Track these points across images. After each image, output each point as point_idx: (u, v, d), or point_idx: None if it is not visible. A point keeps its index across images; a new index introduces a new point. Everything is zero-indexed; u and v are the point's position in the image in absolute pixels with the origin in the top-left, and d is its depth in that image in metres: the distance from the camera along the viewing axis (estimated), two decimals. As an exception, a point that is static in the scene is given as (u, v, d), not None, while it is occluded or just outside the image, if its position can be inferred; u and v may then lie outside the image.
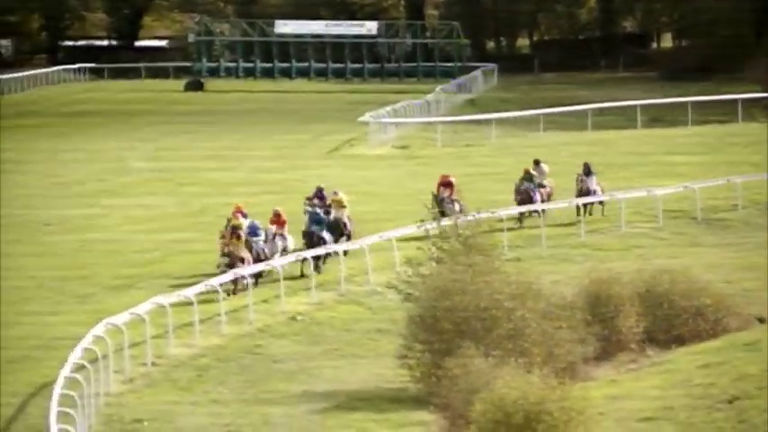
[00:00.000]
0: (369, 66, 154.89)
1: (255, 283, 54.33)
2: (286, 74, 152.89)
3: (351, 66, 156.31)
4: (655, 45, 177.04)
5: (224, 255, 53.21)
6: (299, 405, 47.04)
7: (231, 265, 52.62)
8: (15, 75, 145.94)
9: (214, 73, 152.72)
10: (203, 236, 68.73)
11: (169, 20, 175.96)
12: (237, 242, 53.56)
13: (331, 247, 62.34)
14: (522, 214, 65.63)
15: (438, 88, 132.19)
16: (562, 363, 48.66)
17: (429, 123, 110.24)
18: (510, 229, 65.15)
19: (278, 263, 56.62)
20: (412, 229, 62.50)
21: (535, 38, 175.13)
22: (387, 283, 58.75)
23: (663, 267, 55.34)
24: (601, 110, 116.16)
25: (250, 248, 55.58)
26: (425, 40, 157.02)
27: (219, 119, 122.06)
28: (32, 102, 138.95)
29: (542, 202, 66.46)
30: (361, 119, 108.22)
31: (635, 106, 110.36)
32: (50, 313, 57.32)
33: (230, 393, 48.69)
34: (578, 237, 69.11)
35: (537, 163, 68.83)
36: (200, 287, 53.72)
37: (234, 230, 54.06)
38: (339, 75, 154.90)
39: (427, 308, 49.57)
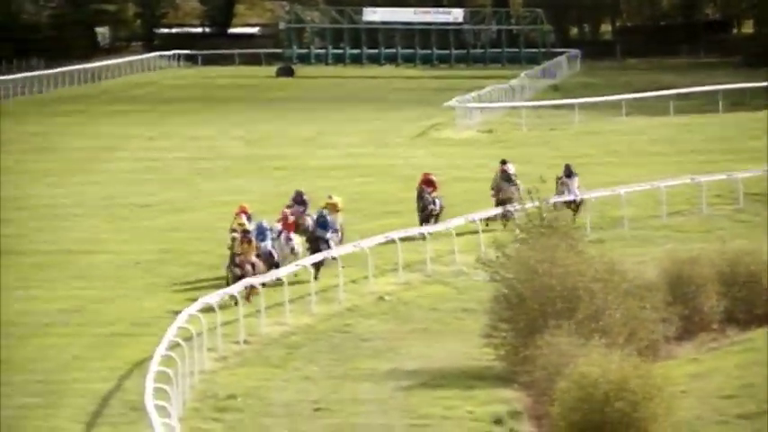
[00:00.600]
0: (455, 52, 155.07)
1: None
2: (374, 60, 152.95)
3: (437, 52, 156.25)
4: (735, 31, 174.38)
5: (235, 265, 51.30)
6: (387, 382, 47.21)
7: (242, 276, 50.79)
8: (112, 62, 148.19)
9: (304, 59, 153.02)
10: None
11: (260, 8, 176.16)
12: (248, 247, 52.17)
13: (429, 228, 61.50)
14: (506, 214, 62.55)
15: (522, 74, 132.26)
16: (644, 342, 48.60)
17: (513, 108, 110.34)
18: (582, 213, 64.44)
19: (287, 270, 54.31)
20: (497, 211, 63.70)
21: (618, 24, 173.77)
22: (472, 264, 58.18)
23: (743, 249, 54.38)
24: (683, 95, 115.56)
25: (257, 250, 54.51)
26: (510, 27, 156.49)
27: (310, 104, 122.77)
28: (129, 87, 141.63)
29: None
30: (448, 104, 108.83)
31: (717, 91, 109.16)
32: (147, 292, 58.10)
33: (320, 370, 48.75)
34: (660, 219, 68.92)
35: (504, 163, 65.95)
36: (292, 267, 54.52)
37: (245, 235, 52.57)
38: (426, 61, 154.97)
39: (512, 288, 49.39)
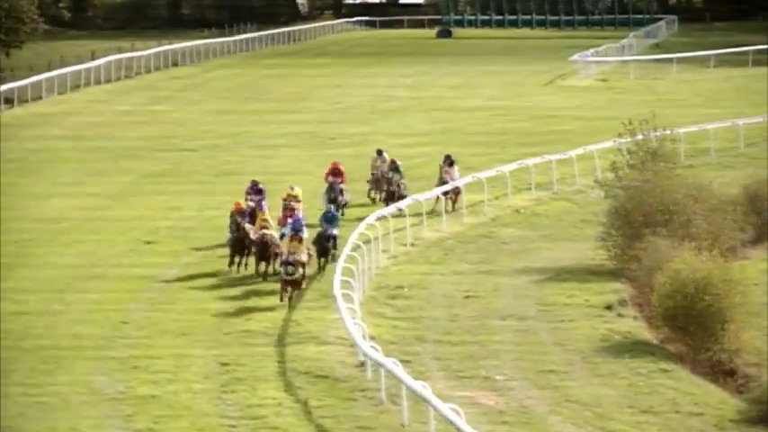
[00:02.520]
0: (578, 17, 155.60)
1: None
2: (513, 24, 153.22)
3: (564, 18, 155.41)
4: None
5: (288, 263, 42.33)
6: (521, 276, 48.01)
7: (293, 274, 41.90)
8: (309, 26, 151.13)
9: (459, 24, 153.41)
10: (447, 148, 69.00)
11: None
12: (299, 245, 43.02)
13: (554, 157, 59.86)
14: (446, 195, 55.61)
15: (631, 34, 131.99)
16: (725, 245, 48.63)
17: (624, 62, 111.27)
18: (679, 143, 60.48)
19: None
20: (609, 143, 62.82)
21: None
22: (590, 185, 58.96)
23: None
24: (760, 51, 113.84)
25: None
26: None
27: (462, 59, 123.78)
28: (321, 46, 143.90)
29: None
30: (571, 58, 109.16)
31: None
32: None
33: (469, 267, 49.74)
34: (739, 149, 68.37)
35: (379, 153, 57.33)
36: (447, 187, 54.74)
37: (296, 234, 43.03)
38: (554, 24, 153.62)
39: (622, 203, 50.17)
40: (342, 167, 54.86)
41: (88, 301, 44.34)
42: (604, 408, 35.16)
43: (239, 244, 42.91)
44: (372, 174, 54.61)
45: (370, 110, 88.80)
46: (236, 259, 42.95)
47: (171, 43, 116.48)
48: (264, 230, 42.54)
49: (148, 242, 53.16)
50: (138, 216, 58.01)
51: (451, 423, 30.39)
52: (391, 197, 52.87)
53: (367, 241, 48.47)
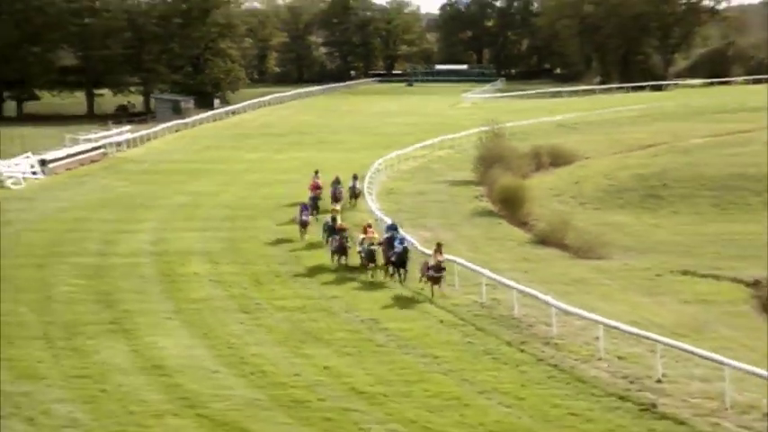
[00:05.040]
0: (468, 77, 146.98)
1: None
2: (441, 80, 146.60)
3: (462, 77, 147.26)
4: None
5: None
6: (444, 185, 57.66)
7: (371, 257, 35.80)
8: (352, 82, 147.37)
9: (417, 81, 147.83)
10: (405, 136, 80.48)
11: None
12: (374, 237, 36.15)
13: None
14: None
15: (487, 85, 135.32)
16: (523, 172, 59.67)
17: (484, 97, 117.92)
18: None
19: None
20: (476, 130, 70.84)
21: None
22: (469, 147, 67.61)
23: None
24: (545, 92, 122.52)
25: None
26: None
27: (415, 96, 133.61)
28: (359, 89, 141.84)
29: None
30: (462, 95, 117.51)
31: None
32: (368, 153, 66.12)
33: (423, 181, 59.51)
34: (529, 135, 75.95)
35: (355, 176, 50.96)
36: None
37: (389, 240, 35.13)
38: (459, 78, 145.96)
39: (482, 154, 60.84)
40: (320, 182, 48.61)
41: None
42: (475, 238, 45.33)
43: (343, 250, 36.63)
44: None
45: (369, 120, 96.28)
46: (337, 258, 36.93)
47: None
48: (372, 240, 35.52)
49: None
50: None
51: (413, 245, 37.22)
52: (354, 196, 49.41)
53: (379, 169, 58.92)
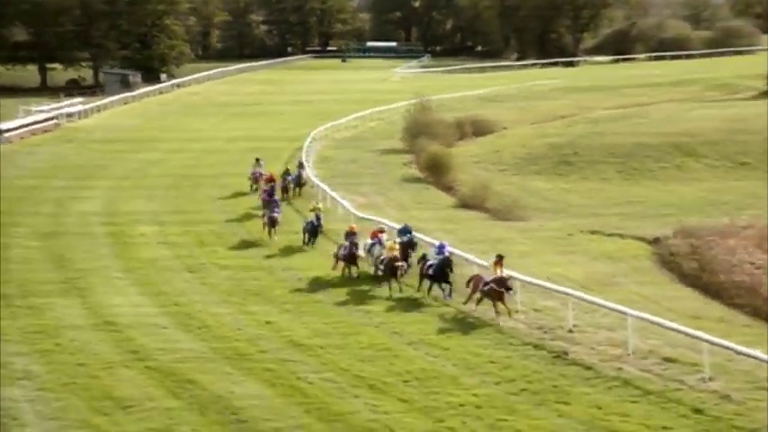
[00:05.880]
0: (399, 54, 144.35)
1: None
2: (375, 56, 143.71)
3: (393, 54, 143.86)
4: None
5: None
6: (373, 154, 57.18)
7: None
8: (294, 57, 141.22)
9: (351, 57, 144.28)
10: (341, 105, 79.28)
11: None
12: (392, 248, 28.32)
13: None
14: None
15: (414, 61, 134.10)
16: (449, 141, 59.49)
17: (411, 73, 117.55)
18: None
19: None
20: (405, 102, 70.31)
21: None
22: (397, 118, 66.80)
23: None
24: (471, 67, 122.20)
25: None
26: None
27: (348, 70, 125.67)
28: (299, 65, 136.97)
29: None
30: (393, 70, 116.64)
31: None
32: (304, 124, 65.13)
33: (354, 149, 58.95)
34: (454, 106, 74.74)
35: (257, 159, 46.48)
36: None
37: (410, 245, 29.70)
38: (390, 55, 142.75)
39: (409, 124, 60.33)
40: (263, 171, 44.41)
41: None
42: (404, 202, 45.13)
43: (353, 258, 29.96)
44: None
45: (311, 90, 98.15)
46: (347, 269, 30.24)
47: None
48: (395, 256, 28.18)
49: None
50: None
51: (342, 206, 38.78)
52: (300, 186, 44.66)
53: (316, 138, 59.11)
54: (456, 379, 22.12)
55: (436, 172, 51.57)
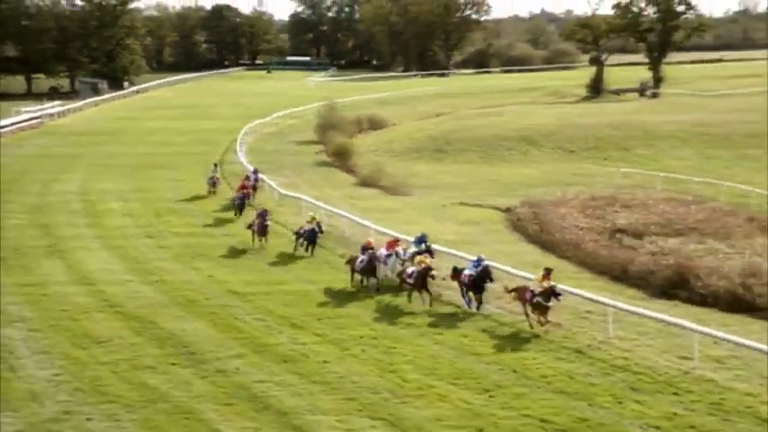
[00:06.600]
0: (312, 68, 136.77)
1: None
2: (295, 68, 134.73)
3: (310, 68, 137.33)
4: None
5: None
6: (292, 144, 55.38)
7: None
8: (229, 70, 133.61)
9: (275, 69, 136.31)
10: (259, 108, 76.31)
11: None
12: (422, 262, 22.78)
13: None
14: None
15: (324, 72, 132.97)
16: (352, 133, 57.89)
17: (320, 80, 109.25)
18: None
19: None
20: (317, 104, 66.46)
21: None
22: (310, 117, 63.52)
23: None
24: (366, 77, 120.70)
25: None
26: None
27: (270, 80, 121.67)
28: (232, 75, 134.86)
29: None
30: (307, 79, 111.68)
31: None
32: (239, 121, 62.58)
33: (277, 141, 56.82)
34: (366, 108, 71.65)
35: (215, 165, 41.31)
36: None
37: (429, 252, 24.33)
38: (308, 68, 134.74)
39: (322, 122, 58.09)
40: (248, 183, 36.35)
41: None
42: (317, 182, 43.39)
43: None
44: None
45: (239, 93, 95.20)
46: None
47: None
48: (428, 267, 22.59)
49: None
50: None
51: (269, 185, 36.82)
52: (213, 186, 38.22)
53: (249, 132, 57.31)
54: (358, 317, 22.05)
55: (341, 158, 50.67)
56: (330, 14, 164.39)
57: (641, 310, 20.48)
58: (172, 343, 20.19)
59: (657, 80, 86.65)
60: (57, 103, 79.50)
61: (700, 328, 18.81)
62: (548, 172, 47.89)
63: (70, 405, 16.53)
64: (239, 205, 33.85)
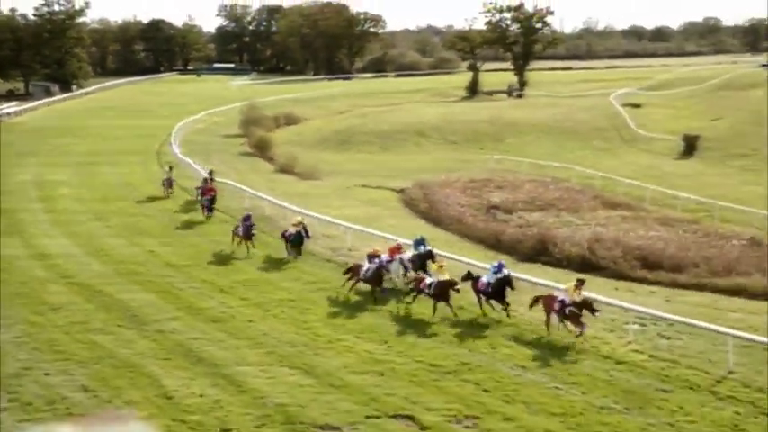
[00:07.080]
0: (237, 73, 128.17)
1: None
2: (220, 73, 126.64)
3: (235, 71, 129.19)
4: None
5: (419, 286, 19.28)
6: (235, 139, 54.34)
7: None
8: (170, 74, 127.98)
9: (204, 73, 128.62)
10: (197, 108, 75.30)
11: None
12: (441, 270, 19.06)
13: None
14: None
15: (247, 76, 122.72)
16: (277, 124, 57.85)
17: (243, 83, 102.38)
18: None
19: None
20: (245, 102, 63.82)
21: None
22: (236, 116, 59.81)
23: None
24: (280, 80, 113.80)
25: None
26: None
27: (201, 83, 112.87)
28: (176, 79, 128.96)
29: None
30: (231, 82, 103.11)
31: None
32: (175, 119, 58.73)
33: (218, 137, 54.62)
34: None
35: (170, 168, 35.32)
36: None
37: (429, 256, 20.81)
38: (233, 73, 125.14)
39: (245, 119, 56.72)
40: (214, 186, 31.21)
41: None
42: (241, 169, 40.99)
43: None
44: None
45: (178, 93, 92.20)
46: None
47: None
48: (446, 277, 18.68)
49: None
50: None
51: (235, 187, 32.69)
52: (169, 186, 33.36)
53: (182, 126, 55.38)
54: (277, 283, 21.91)
55: (262, 149, 49.51)
56: (251, 27, 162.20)
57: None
58: (118, 308, 19.81)
59: (522, 84, 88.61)
60: (14, 103, 76.25)
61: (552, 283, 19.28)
62: (435, 159, 47.87)
63: (30, 362, 16.26)
64: (209, 207, 29.77)
